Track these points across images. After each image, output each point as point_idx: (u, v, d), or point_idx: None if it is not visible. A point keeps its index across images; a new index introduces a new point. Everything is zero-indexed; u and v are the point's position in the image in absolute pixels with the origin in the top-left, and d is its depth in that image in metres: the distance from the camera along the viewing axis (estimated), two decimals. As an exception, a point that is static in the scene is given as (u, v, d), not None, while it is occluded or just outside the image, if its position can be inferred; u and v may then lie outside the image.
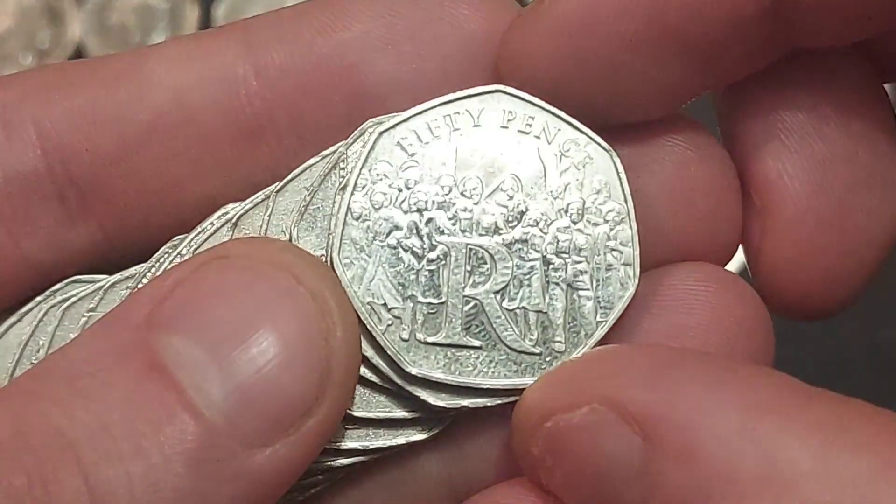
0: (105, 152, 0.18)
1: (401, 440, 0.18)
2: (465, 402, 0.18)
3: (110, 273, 0.19)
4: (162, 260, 0.18)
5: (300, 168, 0.18)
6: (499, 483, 0.18)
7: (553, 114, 0.19)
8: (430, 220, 0.19)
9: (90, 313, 0.19)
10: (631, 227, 0.19)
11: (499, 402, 0.19)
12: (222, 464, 0.15)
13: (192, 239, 0.18)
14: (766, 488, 0.14)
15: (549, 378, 0.17)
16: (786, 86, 0.19)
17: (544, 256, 0.19)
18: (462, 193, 0.19)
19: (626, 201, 0.19)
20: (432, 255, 0.19)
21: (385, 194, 0.18)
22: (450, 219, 0.19)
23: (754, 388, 0.16)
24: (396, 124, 0.18)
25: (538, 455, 0.16)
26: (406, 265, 0.18)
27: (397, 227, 0.18)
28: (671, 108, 0.19)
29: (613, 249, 0.19)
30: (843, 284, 0.20)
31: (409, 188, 0.18)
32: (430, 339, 0.18)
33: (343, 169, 0.18)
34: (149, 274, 0.18)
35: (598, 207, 0.19)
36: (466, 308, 0.19)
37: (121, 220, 0.18)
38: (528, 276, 0.19)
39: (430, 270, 0.19)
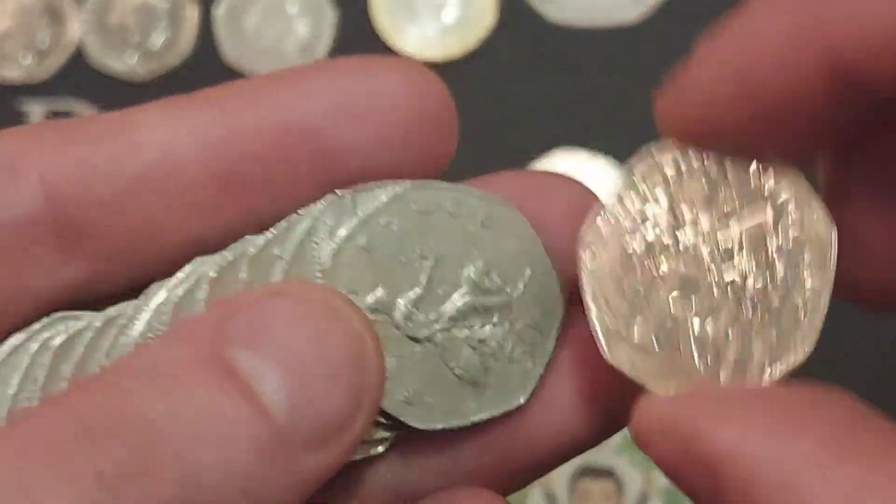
0: (100, 199, 0.20)
1: (360, 455, 0.20)
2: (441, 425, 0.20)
3: (93, 308, 0.21)
4: (154, 308, 0.20)
5: (270, 232, 0.20)
6: (450, 488, 0.21)
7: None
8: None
9: (85, 349, 0.20)
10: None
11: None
12: (283, 458, 0.17)
13: (171, 286, 0.20)
14: None
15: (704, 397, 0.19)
16: None
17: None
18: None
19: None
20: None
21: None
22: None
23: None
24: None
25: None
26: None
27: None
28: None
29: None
30: None
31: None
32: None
33: (315, 242, 0.20)
34: (140, 314, 0.20)
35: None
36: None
37: (109, 259, 0.21)
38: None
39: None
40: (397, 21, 0.52)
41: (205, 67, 0.52)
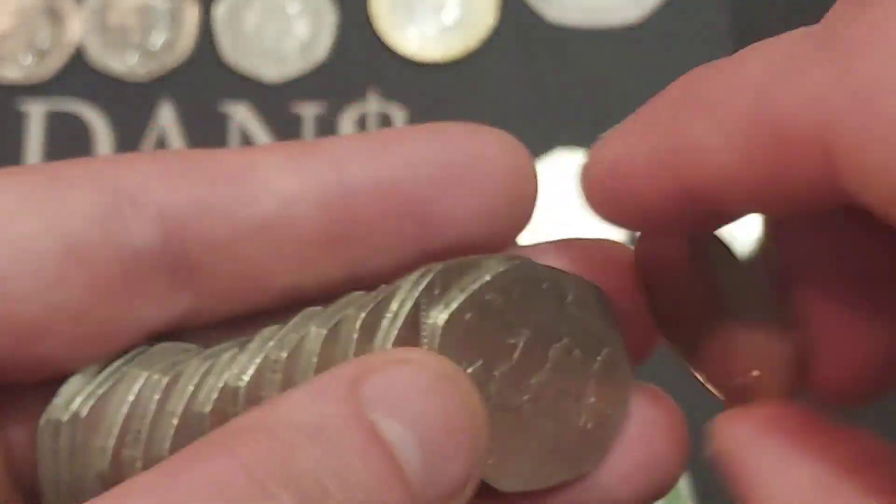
0: (214, 240, 0.21)
1: None
2: None
3: (189, 339, 0.22)
4: (270, 348, 0.21)
5: (376, 294, 0.21)
6: None
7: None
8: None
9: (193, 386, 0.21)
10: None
11: None
12: None
13: (281, 333, 0.21)
14: None
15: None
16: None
17: None
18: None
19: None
20: None
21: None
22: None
23: None
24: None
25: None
26: None
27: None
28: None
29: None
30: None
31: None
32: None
33: (424, 311, 0.21)
34: (251, 360, 0.21)
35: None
36: None
37: (214, 296, 0.21)
38: None
39: None
40: (397, 21, 0.52)
41: (205, 67, 0.53)
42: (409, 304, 0.21)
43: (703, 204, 0.20)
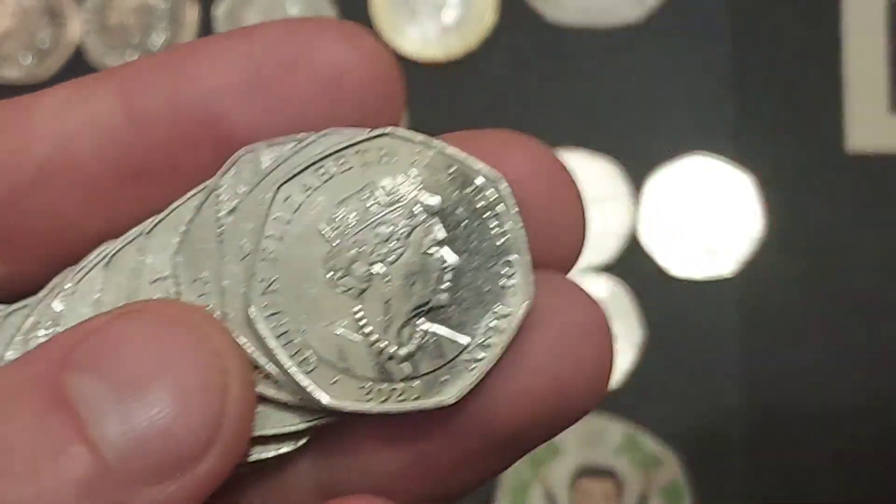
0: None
1: (272, 453, 0.19)
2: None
3: (10, 303, 0.20)
4: (52, 290, 0.20)
5: (167, 210, 0.19)
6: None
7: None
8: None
9: None
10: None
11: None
12: (109, 496, 0.16)
13: (74, 275, 0.20)
14: None
15: None
16: None
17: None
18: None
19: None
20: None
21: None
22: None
23: None
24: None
25: None
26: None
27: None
28: None
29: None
30: None
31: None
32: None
33: (219, 198, 0.19)
34: (40, 303, 0.20)
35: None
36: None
37: (18, 256, 0.20)
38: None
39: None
40: (397, 21, 0.52)
41: (205, 67, 0.53)
42: (194, 204, 0.19)
43: None
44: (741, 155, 0.51)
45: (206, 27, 0.53)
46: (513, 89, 0.52)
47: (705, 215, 0.52)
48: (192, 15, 0.53)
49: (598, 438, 0.50)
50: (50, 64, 0.52)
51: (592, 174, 0.50)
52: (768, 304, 0.51)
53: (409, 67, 0.52)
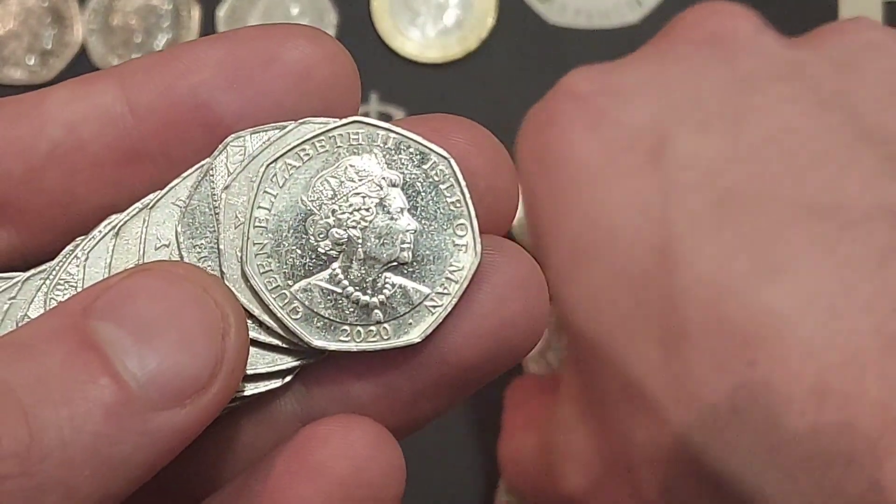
0: (15, 175, 0.22)
1: (262, 388, 0.23)
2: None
3: (26, 271, 0.23)
4: (67, 256, 0.23)
5: (168, 187, 0.23)
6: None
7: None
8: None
9: (11, 301, 0.23)
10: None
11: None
12: (131, 418, 0.19)
13: (85, 243, 0.23)
14: None
15: None
16: None
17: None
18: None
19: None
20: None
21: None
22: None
23: None
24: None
25: None
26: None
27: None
28: None
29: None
30: None
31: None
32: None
33: (213, 176, 0.22)
34: (57, 267, 0.23)
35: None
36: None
37: (33, 227, 0.23)
38: None
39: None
40: (398, 22, 0.52)
41: (207, 68, 0.53)
42: (192, 180, 0.22)
43: None
44: (739, 155, 0.51)
45: (208, 28, 0.53)
46: (513, 90, 0.52)
47: (704, 215, 0.52)
48: (194, 16, 0.53)
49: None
50: (54, 65, 0.52)
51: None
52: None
53: (410, 68, 0.52)
